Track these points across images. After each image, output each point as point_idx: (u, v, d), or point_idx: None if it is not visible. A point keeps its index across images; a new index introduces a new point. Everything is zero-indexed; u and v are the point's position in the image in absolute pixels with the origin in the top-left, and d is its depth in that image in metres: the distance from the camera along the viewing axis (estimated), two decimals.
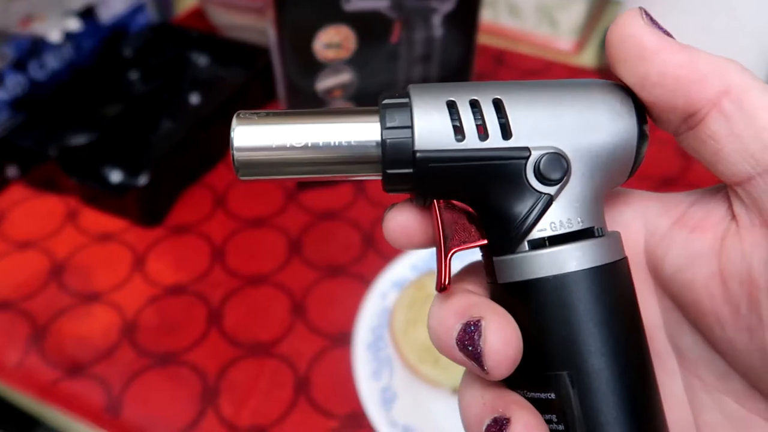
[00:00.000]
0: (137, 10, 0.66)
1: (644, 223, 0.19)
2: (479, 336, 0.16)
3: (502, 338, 0.16)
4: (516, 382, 0.17)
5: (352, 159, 0.17)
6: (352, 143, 0.17)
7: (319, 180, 0.18)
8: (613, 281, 0.17)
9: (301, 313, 0.45)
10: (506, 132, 0.17)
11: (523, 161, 0.17)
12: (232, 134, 0.17)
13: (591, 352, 0.16)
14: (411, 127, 0.17)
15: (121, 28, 0.64)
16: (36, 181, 0.54)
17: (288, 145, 0.17)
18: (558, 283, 0.16)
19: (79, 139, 0.52)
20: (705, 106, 0.16)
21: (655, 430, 0.17)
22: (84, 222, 0.52)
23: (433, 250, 0.50)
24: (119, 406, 0.40)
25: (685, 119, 0.16)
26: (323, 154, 0.17)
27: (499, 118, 0.17)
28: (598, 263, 0.17)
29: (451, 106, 0.17)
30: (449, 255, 0.18)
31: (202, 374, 0.41)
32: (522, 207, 0.17)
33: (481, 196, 0.18)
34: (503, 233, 0.17)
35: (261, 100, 0.61)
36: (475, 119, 0.17)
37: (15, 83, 0.54)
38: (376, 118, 0.17)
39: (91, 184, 0.51)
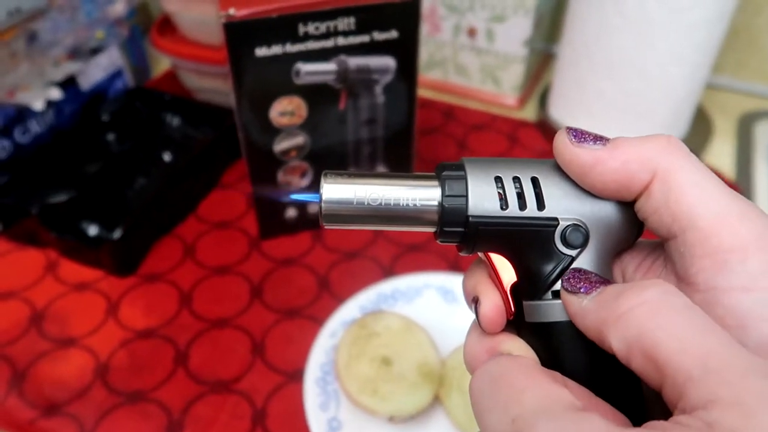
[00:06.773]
0: (115, 75, 0.72)
1: (621, 270, 0.23)
2: None
3: None
4: None
5: (414, 216, 0.22)
6: (418, 204, 0.21)
7: (385, 229, 0.22)
8: None
9: (260, 353, 0.50)
10: (540, 204, 0.21)
11: (553, 229, 0.21)
12: (322, 190, 0.21)
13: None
14: (466, 197, 0.21)
15: (100, 92, 0.70)
16: (18, 236, 0.59)
17: (365, 202, 0.21)
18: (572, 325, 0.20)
19: (58, 197, 0.57)
20: (641, 191, 0.20)
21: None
22: (62, 273, 0.57)
23: (378, 292, 0.55)
24: None
25: (630, 199, 0.21)
26: (392, 210, 0.21)
27: (535, 192, 0.21)
28: None
29: (498, 181, 0.21)
30: (510, 289, 0.22)
31: (168, 410, 0.46)
32: (549, 264, 0.21)
33: (518, 253, 0.22)
34: (533, 282, 0.21)
35: (227, 158, 0.67)
36: (516, 192, 0.21)
37: (1, 148, 0.59)
38: (436, 183, 0.21)
39: (69, 238, 0.56)
